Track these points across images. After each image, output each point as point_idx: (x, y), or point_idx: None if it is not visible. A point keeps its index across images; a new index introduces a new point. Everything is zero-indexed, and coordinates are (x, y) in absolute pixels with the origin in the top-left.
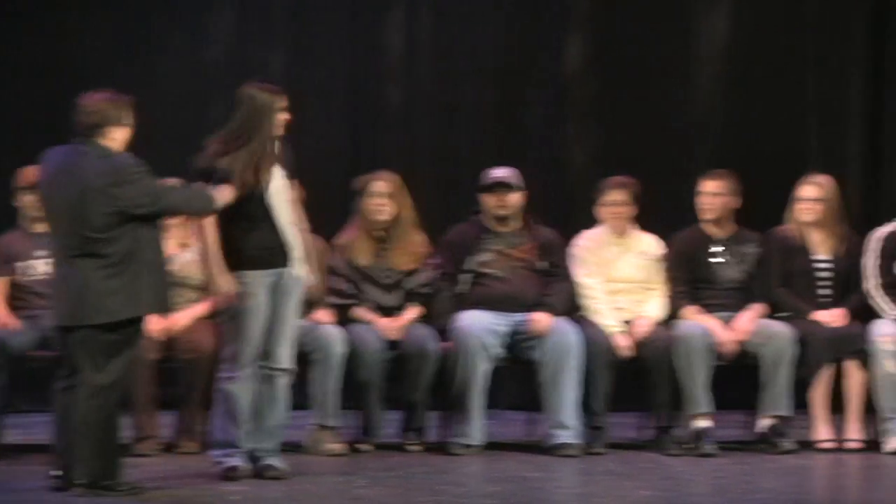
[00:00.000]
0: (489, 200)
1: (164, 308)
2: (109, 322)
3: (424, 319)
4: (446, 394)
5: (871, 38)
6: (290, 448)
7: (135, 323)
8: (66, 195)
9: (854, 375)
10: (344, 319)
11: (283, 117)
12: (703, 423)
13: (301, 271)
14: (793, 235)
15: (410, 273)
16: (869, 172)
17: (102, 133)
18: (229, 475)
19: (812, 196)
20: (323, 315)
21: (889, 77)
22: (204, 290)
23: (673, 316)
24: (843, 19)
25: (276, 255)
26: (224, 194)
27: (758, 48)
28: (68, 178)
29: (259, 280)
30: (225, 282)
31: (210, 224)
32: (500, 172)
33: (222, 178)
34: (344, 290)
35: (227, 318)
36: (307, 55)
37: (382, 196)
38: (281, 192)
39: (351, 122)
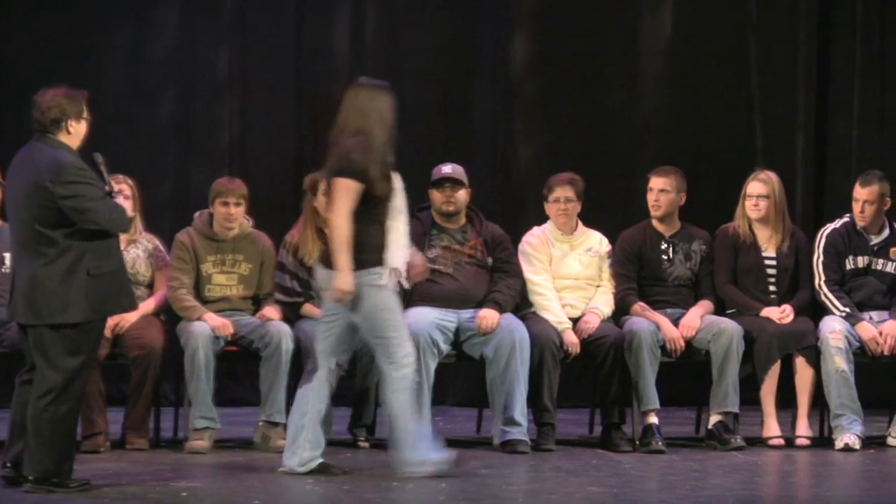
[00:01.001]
0: (437, 197)
1: (131, 306)
2: (67, 323)
3: None
4: None
5: (816, 36)
6: (238, 444)
7: (93, 324)
8: (19, 188)
9: (803, 372)
10: (292, 316)
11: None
12: (651, 420)
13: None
14: (740, 232)
15: None
16: (814, 170)
17: (61, 128)
18: None
19: (759, 193)
20: (271, 312)
21: (833, 75)
22: (148, 286)
23: (621, 312)
24: (787, 19)
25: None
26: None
27: (703, 47)
28: (22, 172)
29: (386, 275)
30: (346, 281)
31: (345, 221)
32: (447, 169)
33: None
34: (292, 288)
35: (369, 314)
36: (253, 53)
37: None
38: (400, 193)
39: (297, 120)
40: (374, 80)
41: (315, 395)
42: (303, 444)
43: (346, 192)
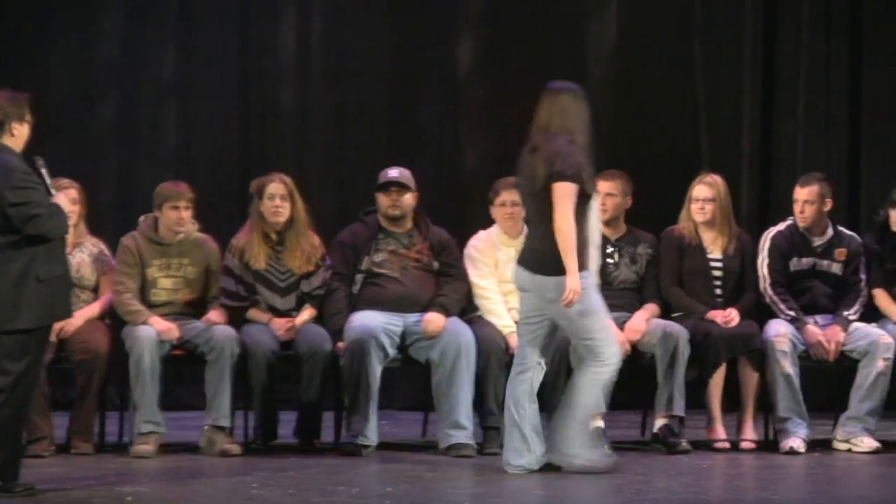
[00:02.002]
0: (383, 200)
1: (67, 314)
2: (14, 329)
3: (318, 320)
4: (340, 394)
5: (760, 40)
6: (184, 448)
7: (42, 329)
8: None
9: (749, 375)
10: (238, 320)
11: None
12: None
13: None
14: (686, 235)
15: (305, 275)
16: (759, 173)
17: (4, 130)
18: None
19: (704, 196)
20: (217, 316)
21: (778, 79)
22: (93, 290)
23: None
24: (731, 23)
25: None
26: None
27: (648, 50)
28: None
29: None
30: (578, 283)
31: (572, 224)
32: (393, 173)
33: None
34: (238, 292)
35: (576, 316)
36: (198, 55)
37: (279, 198)
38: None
39: (243, 123)
40: (569, 83)
41: (529, 396)
42: (531, 444)
43: (570, 194)
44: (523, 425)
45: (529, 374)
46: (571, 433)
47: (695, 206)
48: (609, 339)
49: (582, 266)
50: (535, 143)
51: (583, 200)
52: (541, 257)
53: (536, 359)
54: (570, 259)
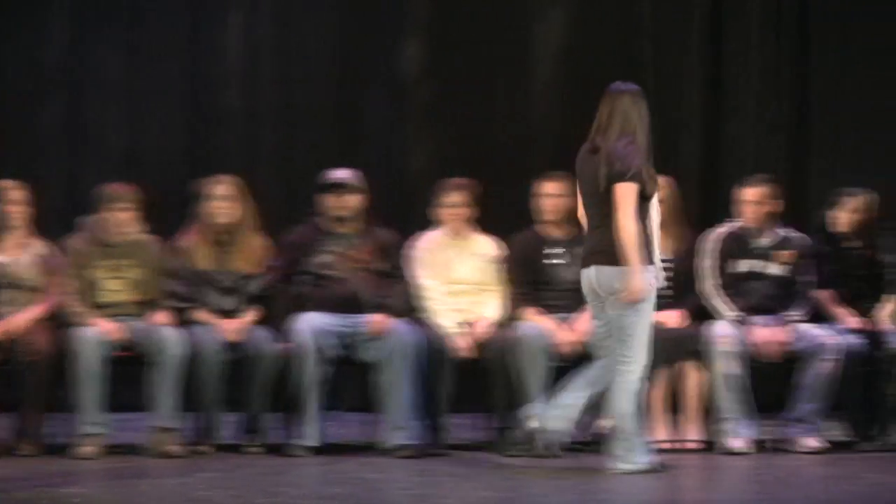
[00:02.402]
0: (328, 201)
1: None
2: None
3: (263, 321)
4: (285, 395)
5: (708, 40)
6: (128, 450)
7: None
8: None
9: (692, 376)
10: (183, 322)
11: None
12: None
13: None
14: None
15: (250, 276)
16: (708, 174)
17: None
18: None
19: None
20: (162, 317)
21: (727, 80)
22: (38, 291)
23: (511, 317)
24: (679, 24)
25: None
26: None
27: (594, 52)
28: None
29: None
30: (639, 281)
31: (634, 223)
32: (339, 174)
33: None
34: (183, 293)
35: (629, 311)
36: (146, 57)
37: (223, 199)
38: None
39: (190, 125)
40: (629, 84)
41: (626, 395)
42: (639, 443)
43: (630, 194)
44: (633, 423)
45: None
46: (614, 442)
47: None
48: (643, 344)
49: (646, 261)
50: (595, 145)
51: (643, 200)
52: (605, 251)
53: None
54: (633, 258)
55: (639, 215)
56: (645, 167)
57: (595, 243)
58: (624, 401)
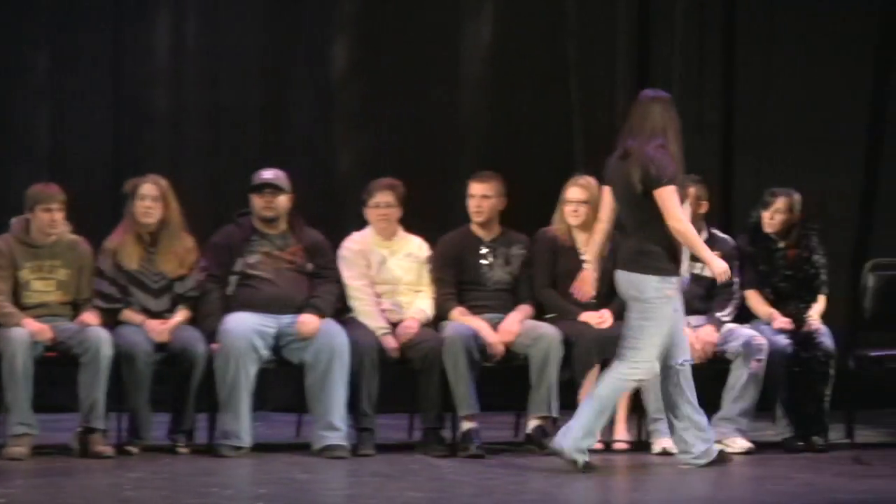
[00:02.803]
0: (257, 202)
1: None
2: None
3: (192, 322)
4: (214, 396)
5: (635, 41)
6: (57, 450)
7: None
8: None
9: None
10: (111, 322)
11: None
12: (470, 425)
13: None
14: (560, 237)
15: (179, 277)
16: None
17: None
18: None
19: (578, 198)
20: (90, 317)
21: (652, 82)
22: None
23: (440, 317)
24: (605, 25)
25: None
26: None
27: (522, 52)
28: None
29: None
30: (721, 263)
31: (685, 222)
32: (268, 174)
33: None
34: (111, 294)
35: (639, 317)
36: (71, 57)
37: (150, 199)
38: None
39: (117, 125)
40: (661, 91)
41: (686, 390)
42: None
43: (672, 196)
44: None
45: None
46: (573, 427)
47: (568, 209)
48: (652, 352)
49: (671, 271)
50: (626, 149)
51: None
52: (628, 257)
53: (676, 356)
54: (702, 249)
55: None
56: (678, 171)
57: (624, 249)
58: (610, 391)
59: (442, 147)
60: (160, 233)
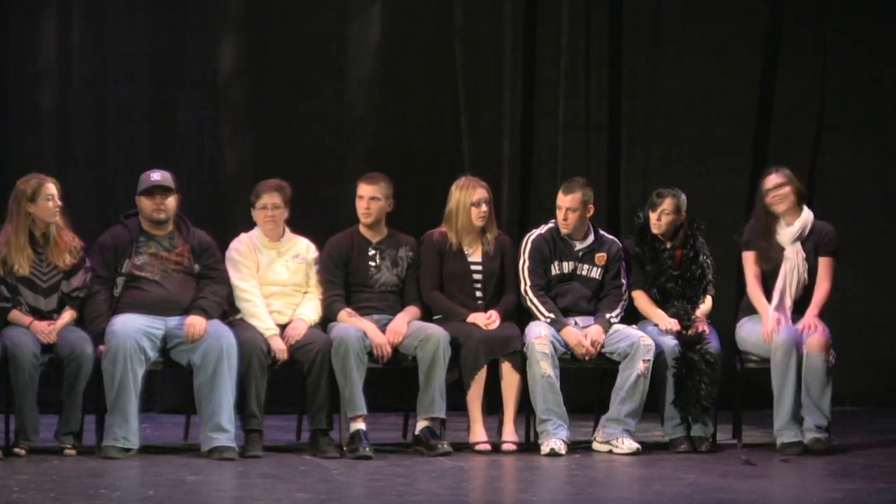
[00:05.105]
0: (147, 204)
1: None
2: None
3: (80, 323)
4: (102, 397)
5: (521, 43)
6: None
7: None
8: None
9: (509, 377)
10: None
11: None
12: (359, 426)
13: None
14: (447, 238)
15: (66, 277)
16: (520, 176)
17: None
18: None
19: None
20: None
21: (539, 82)
22: None
23: (328, 319)
24: (492, 25)
25: None
26: None
27: (410, 52)
28: None
29: None
30: None
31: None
32: (156, 176)
33: None
34: (0, 294)
35: None
36: None
37: (58, 198)
38: None
39: (2, 125)
40: None
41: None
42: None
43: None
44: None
45: None
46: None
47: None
48: None
49: None
50: None
51: None
52: None
53: None
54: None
55: None
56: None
57: None
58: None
59: (330, 148)
60: (46, 233)
